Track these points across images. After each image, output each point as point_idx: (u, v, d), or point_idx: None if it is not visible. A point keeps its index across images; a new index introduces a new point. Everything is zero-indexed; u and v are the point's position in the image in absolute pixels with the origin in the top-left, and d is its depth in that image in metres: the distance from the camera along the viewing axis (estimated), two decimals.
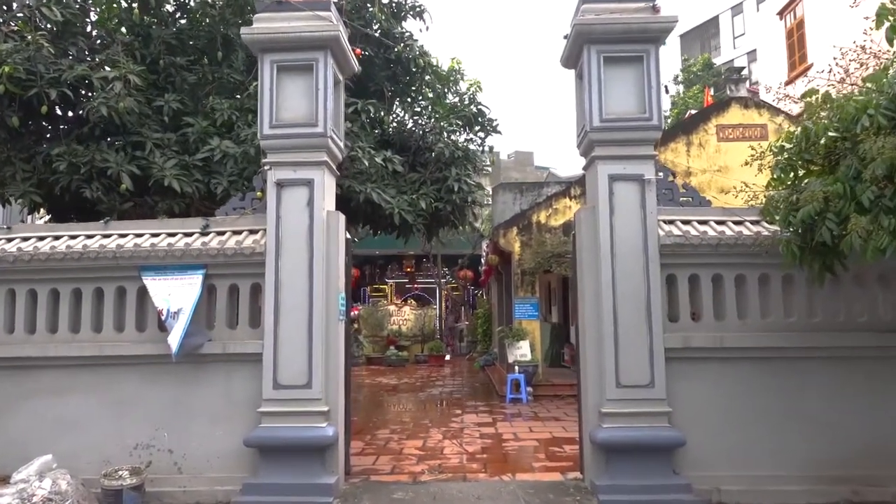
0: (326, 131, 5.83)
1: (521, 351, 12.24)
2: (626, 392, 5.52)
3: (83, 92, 8.62)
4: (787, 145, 4.63)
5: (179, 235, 6.04)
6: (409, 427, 9.19)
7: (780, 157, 4.72)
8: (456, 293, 29.82)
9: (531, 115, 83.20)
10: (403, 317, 24.31)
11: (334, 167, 6.24)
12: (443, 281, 27.27)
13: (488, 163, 11.65)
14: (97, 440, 5.81)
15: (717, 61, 35.92)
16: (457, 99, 11.54)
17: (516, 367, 11.96)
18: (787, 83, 18.68)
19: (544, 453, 7.37)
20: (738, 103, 13.12)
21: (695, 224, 5.86)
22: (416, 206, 9.77)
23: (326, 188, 5.96)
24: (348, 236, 6.39)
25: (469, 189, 10.46)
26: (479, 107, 11.41)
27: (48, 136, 9.06)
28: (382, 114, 10.38)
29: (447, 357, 22.50)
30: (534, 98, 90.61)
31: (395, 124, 11.37)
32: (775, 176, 4.82)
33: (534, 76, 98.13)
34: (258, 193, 6.08)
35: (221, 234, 6.03)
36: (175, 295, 5.75)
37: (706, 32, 41.17)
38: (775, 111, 13.11)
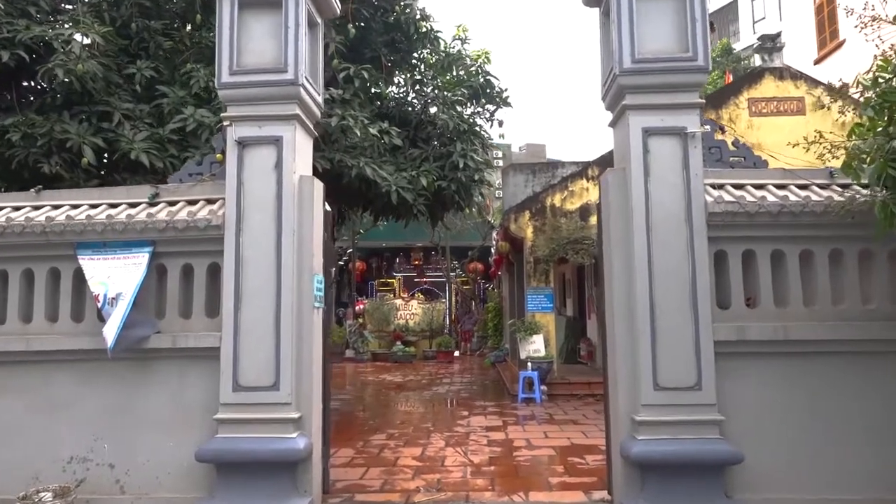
0: (298, 78, 4.80)
1: (535, 346, 11.18)
2: (666, 396, 4.45)
3: (44, 56, 7.69)
4: (885, 76, 3.53)
5: (123, 206, 5.03)
6: (408, 432, 8.16)
7: (872, 94, 3.61)
8: (466, 287, 28.77)
9: (544, 108, 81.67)
10: (411, 311, 23.28)
11: (310, 125, 5.20)
12: (452, 274, 26.24)
13: (497, 138, 10.54)
14: (24, 452, 4.83)
15: (737, 47, 34.59)
16: (462, 72, 10.45)
17: (529, 364, 10.90)
18: (817, 62, 17.42)
19: (563, 465, 6.31)
20: (771, 74, 11.94)
21: (749, 189, 4.77)
22: (416, 184, 8.72)
23: (299, 148, 4.92)
24: (328, 208, 5.36)
25: (476, 166, 9.40)
26: (488, 77, 10.32)
27: (4, 106, 8.12)
28: (381, 85, 9.32)
29: (456, 353, 21.49)
30: (546, 90, 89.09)
31: (395, 97, 10.31)
32: (865, 118, 3.72)
33: (545, 71, 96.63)
34: (218, 156, 5.06)
35: (173, 204, 5.02)
36: (115, 277, 4.75)
37: (724, 17, 39.77)
38: (813, 83, 11.93)
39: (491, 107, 10.51)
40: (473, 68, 10.36)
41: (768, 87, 11.88)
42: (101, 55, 8.11)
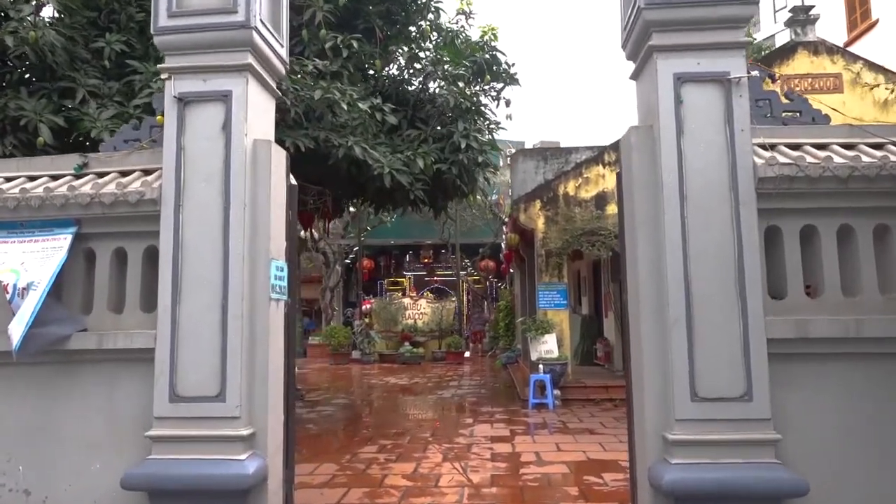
0: (250, 20, 3.93)
1: (547, 346, 10.25)
2: (706, 409, 3.52)
3: None
4: None
5: (44, 179, 4.19)
6: (403, 443, 7.28)
7: None
8: (478, 286, 27.85)
9: (557, 103, 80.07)
10: (419, 311, 22.42)
11: (270, 81, 4.33)
12: (463, 273, 25.33)
13: (505, 119, 9.63)
14: None
15: (758, 37, 33.37)
16: (465, 47, 9.55)
17: (541, 366, 9.98)
18: (847, 45, 16.32)
19: (577, 487, 5.39)
20: (805, 49, 10.94)
21: (809, 149, 3.82)
22: (412, 166, 7.84)
23: (254, 107, 4.06)
24: (293, 182, 4.48)
25: (479, 147, 8.50)
26: (494, 52, 9.42)
27: None
28: (376, 60, 8.45)
29: (467, 354, 20.61)
30: (559, 82, 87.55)
31: (391, 76, 9.44)
32: None
33: (557, 63, 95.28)
34: (159, 118, 4.20)
35: (103, 176, 4.17)
36: (30, 263, 3.91)
37: None
38: (851, 58, 10.91)
39: (498, 85, 9.60)
40: (479, 43, 9.46)
41: (802, 63, 10.87)
42: (65, 27, 7.36)
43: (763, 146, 3.82)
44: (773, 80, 4.46)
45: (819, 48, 10.95)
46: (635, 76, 4.22)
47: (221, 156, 3.92)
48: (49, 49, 6.83)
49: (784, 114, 4.00)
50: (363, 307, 22.19)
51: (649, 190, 3.81)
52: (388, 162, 7.67)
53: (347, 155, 7.39)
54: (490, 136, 8.90)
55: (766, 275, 3.72)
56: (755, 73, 3.81)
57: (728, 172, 3.67)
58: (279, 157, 4.21)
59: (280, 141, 7.12)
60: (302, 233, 12.57)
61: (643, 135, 3.88)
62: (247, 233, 3.90)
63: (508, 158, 24.95)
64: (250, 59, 3.99)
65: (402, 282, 26.49)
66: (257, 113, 4.13)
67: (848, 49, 16.04)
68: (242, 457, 3.72)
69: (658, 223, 3.74)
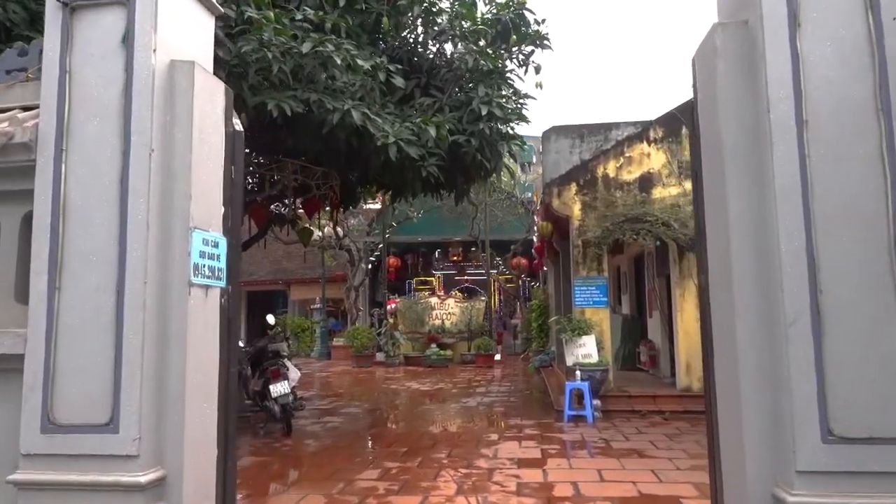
0: None
1: (584, 350, 8.93)
2: (848, 454, 2.22)
3: None
4: None
5: None
6: (412, 466, 6.06)
7: None
8: (510, 285, 26.50)
9: (588, 90, 77.27)
10: (447, 310, 21.18)
11: None
12: (493, 272, 24.04)
13: (534, 88, 8.32)
14: None
15: None
16: (488, 5, 8.30)
17: (578, 373, 8.66)
18: None
19: None
20: None
21: None
22: (424, 136, 6.62)
23: (171, 14, 2.88)
24: (239, 127, 3.29)
25: (503, 115, 7.23)
26: (521, 10, 8.14)
27: None
28: (384, 17, 7.27)
29: (497, 357, 19.29)
30: (590, 71, 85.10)
31: (403, 37, 8.23)
32: None
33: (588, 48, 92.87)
34: None
35: None
36: None
37: None
38: None
39: (526, 49, 8.32)
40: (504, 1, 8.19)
41: None
42: None
43: None
44: None
45: None
46: None
47: (120, 81, 2.76)
48: None
49: None
50: (388, 307, 21.05)
51: (744, 116, 2.52)
52: (395, 131, 6.47)
53: (345, 122, 6.21)
54: (516, 105, 7.64)
55: None
56: None
57: (873, 85, 2.36)
58: (211, 86, 3.03)
59: (262, 104, 5.98)
60: (316, 226, 11.46)
61: (734, 34, 2.58)
62: (155, 189, 2.73)
63: (533, 157, 23.66)
64: None
65: (431, 281, 25.32)
66: (178, 24, 2.95)
67: None
68: None
69: (761, 166, 2.45)
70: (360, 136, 6.58)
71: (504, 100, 7.23)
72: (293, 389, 8.35)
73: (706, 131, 2.75)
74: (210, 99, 3.01)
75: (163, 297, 2.73)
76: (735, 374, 2.48)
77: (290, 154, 8.11)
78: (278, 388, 7.50)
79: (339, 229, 23.22)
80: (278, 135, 7.22)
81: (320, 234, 22.90)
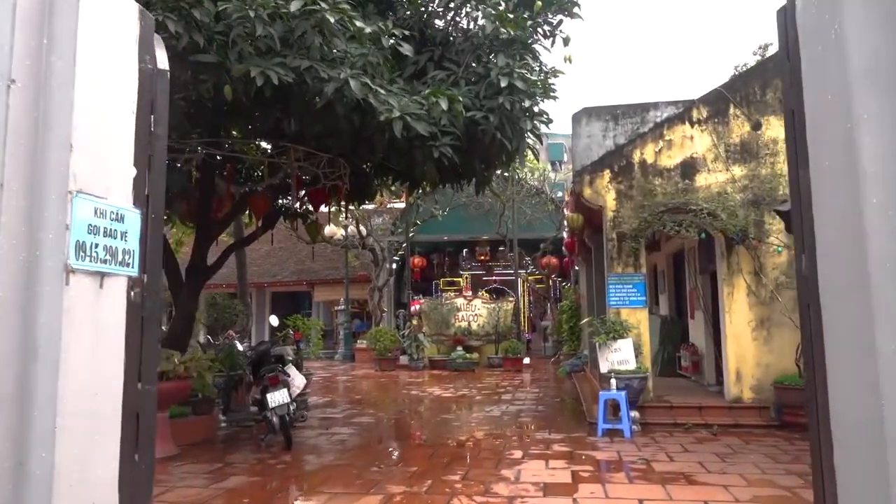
0: None
1: (620, 355, 7.99)
2: None
3: None
4: None
5: None
6: (419, 490, 5.23)
7: None
8: (539, 285, 25.53)
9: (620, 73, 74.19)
10: (473, 312, 20.33)
11: None
12: (522, 271, 23.10)
13: (563, 62, 7.42)
14: None
15: None
16: None
17: (613, 381, 7.72)
18: None
19: None
20: None
21: None
22: (434, 110, 5.78)
23: None
24: (164, 64, 2.49)
25: (527, 88, 6.35)
26: None
27: None
28: None
29: (526, 360, 18.35)
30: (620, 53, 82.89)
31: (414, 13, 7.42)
32: None
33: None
34: None
35: None
36: None
37: None
38: None
39: (553, 18, 7.43)
40: None
41: None
42: None
43: None
44: None
45: None
46: None
47: None
48: None
49: None
50: (412, 308, 20.27)
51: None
52: (401, 105, 5.65)
53: (343, 96, 5.41)
54: (542, 79, 6.75)
55: None
56: None
57: None
58: (117, 5, 2.23)
59: (245, 73, 5.21)
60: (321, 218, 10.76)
61: None
62: (18, 135, 1.94)
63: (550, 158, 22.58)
64: None
65: (457, 281, 24.48)
66: None
67: None
68: None
69: None
70: (363, 112, 5.78)
71: (527, 71, 6.36)
72: (296, 398, 7.60)
73: (812, 52, 1.85)
74: (113, 21, 2.21)
75: (28, 290, 1.94)
76: (870, 385, 1.58)
77: (296, 141, 7.37)
78: (276, 398, 6.73)
79: (362, 228, 22.63)
80: (271, 114, 6.46)
81: (343, 233, 22.35)
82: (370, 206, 22.56)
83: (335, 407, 10.34)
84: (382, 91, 5.60)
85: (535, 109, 6.74)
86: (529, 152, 7.24)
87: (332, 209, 17.05)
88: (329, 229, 22.21)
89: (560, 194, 22.59)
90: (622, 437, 7.35)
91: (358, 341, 21.89)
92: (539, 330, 25.13)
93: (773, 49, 7.95)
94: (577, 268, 18.37)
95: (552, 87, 6.65)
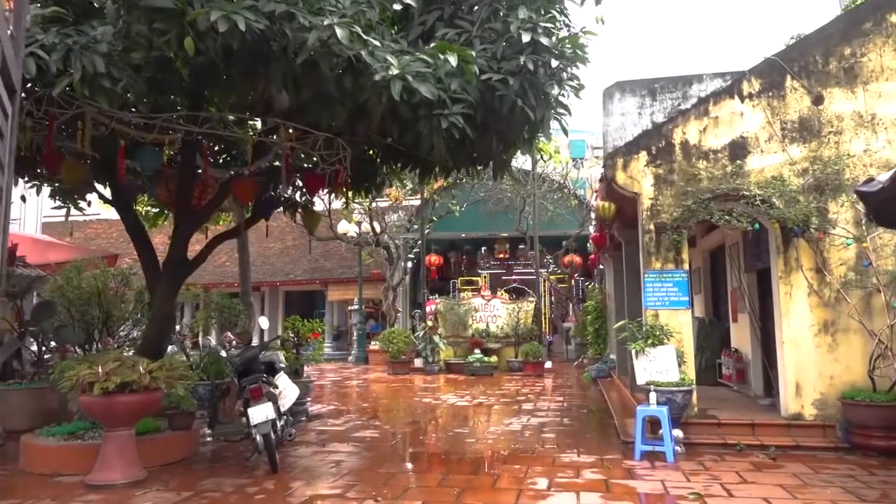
0: None
1: (660, 364, 6.91)
2: None
3: None
4: None
5: None
6: None
7: None
8: (562, 285, 24.37)
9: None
10: (492, 312, 19.27)
11: None
12: (543, 270, 21.98)
13: (595, 23, 6.33)
14: None
15: None
16: None
17: (652, 395, 6.65)
18: None
19: None
20: None
21: None
22: (440, 69, 4.75)
23: None
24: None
25: (553, 46, 5.31)
26: None
27: None
28: None
29: (548, 364, 17.27)
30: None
31: None
32: None
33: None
34: None
35: None
36: None
37: None
38: None
39: None
40: None
41: None
42: None
43: None
44: None
45: None
46: None
47: None
48: None
49: None
50: (427, 308, 19.27)
51: None
52: (401, 64, 4.63)
53: (329, 48, 4.41)
54: (570, 31, 5.68)
55: None
56: None
57: None
58: None
59: (208, 21, 4.23)
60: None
61: None
62: None
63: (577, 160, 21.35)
64: None
65: (475, 280, 23.42)
66: None
67: None
68: None
69: None
70: (356, 74, 4.78)
71: (554, 24, 5.32)
72: (289, 410, 6.63)
73: None
74: None
75: None
76: None
77: (286, 118, 6.41)
78: (259, 413, 5.75)
79: (376, 225, 21.69)
80: (251, 81, 5.50)
81: (356, 230, 21.42)
82: (384, 203, 21.67)
83: (338, 417, 9.36)
84: (377, 44, 4.60)
85: (563, 75, 5.68)
86: (556, 131, 6.17)
87: (342, 203, 16.16)
88: (342, 226, 21.36)
89: (582, 192, 21.47)
90: (664, 460, 6.28)
91: (372, 343, 20.96)
92: (561, 332, 24.00)
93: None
94: (601, 266, 17.24)
95: (584, 47, 5.59)
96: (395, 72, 4.49)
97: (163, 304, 6.70)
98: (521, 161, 17.37)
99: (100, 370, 5.42)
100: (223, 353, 7.08)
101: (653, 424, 6.84)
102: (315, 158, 6.89)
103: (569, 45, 5.42)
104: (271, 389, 6.10)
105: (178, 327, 12.30)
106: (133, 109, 6.25)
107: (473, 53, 4.89)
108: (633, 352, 6.98)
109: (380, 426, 8.68)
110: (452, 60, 4.61)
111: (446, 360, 17.67)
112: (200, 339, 14.69)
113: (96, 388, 5.31)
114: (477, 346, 17.68)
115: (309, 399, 9.40)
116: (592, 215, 14.93)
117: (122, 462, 5.49)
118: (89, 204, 8.27)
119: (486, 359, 16.86)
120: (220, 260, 25.36)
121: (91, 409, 5.52)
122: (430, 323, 18.61)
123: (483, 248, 24.79)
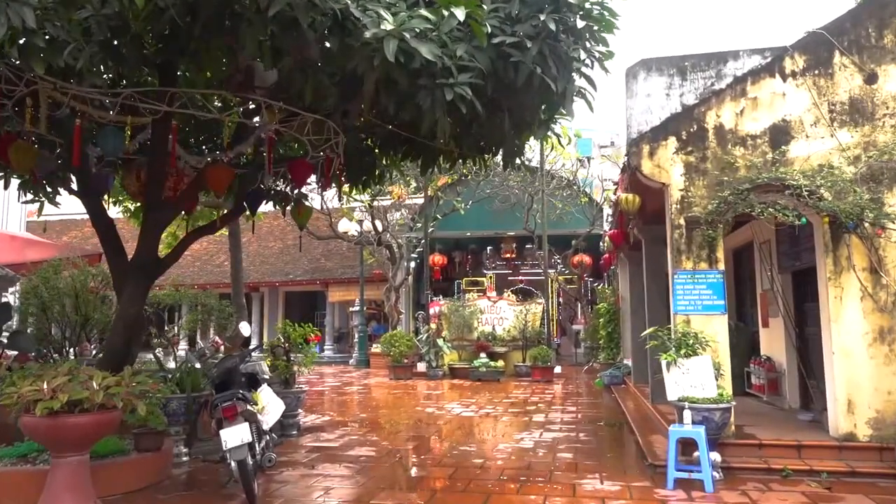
0: None
1: (694, 378, 6.07)
2: None
3: None
4: None
5: None
6: None
7: None
8: (570, 286, 23.54)
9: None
10: (498, 314, 18.44)
11: None
12: (552, 271, 21.17)
13: None
14: None
15: None
16: None
17: (687, 413, 5.81)
18: None
19: None
20: None
21: None
22: (442, 27, 3.91)
23: None
24: None
25: (579, 4, 4.48)
26: None
27: None
28: None
29: (557, 369, 16.45)
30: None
31: None
32: None
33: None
34: None
35: None
36: None
37: None
38: None
39: None
40: None
41: None
42: None
43: None
44: None
45: None
46: None
47: None
48: None
49: None
50: (430, 310, 18.45)
51: None
52: (397, 20, 3.81)
53: (308, 1, 3.59)
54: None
55: None
56: None
57: None
58: None
59: None
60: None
61: None
62: None
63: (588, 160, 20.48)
64: None
65: (481, 281, 22.60)
66: None
67: None
68: None
69: None
70: (343, 32, 3.97)
71: None
72: (267, 431, 5.83)
73: None
74: None
75: None
76: None
77: (269, 96, 5.61)
78: (232, 437, 4.93)
79: (378, 223, 20.91)
80: (226, 50, 4.69)
81: (357, 228, 20.64)
82: (387, 201, 20.88)
83: (333, 431, 8.55)
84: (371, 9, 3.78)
85: (588, 44, 4.84)
86: (582, 97, 5.29)
87: (341, 200, 15.28)
88: (343, 224, 20.59)
89: (589, 191, 20.68)
90: (702, 489, 5.44)
91: (373, 345, 20.16)
92: (570, 334, 23.18)
93: None
94: (614, 266, 16.40)
95: (612, 10, 4.76)
96: (390, 27, 3.69)
97: (129, 306, 5.89)
98: (528, 155, 16.58)
99: (45, 386, 4.61)
100: (197, 365, 6.27)
101: (685, 445, 6.01)
102: (304, 144, 6.08)
103: (596, 3, 4.59)
104: (248, 408, 5.28)
105: (165, 329, 11.51)
106: (96, 87, 5.46)
107: (486, 8, 4.08)
108: (664, 363, 6.14)
109: (377, 442, 7.86)
110: (459, 14, 3.79)
111: (450, 365, 16.87)
112: (199, 340, 13.95)
113: (39, 407, 4.51)
114: (483, 350, 16.89)
115: (300, 410, 8.60)
116: (609, 211, 14.10)
117: (71, 494, 4.68)
118: (58, 194, 7.48)
119: (492, 363, 16.05)
120: (220, 259, 24.62)
121: (34, 433, 4.72)
122: (433, 325, 17.78)
123: (489, 248, 24.00)
